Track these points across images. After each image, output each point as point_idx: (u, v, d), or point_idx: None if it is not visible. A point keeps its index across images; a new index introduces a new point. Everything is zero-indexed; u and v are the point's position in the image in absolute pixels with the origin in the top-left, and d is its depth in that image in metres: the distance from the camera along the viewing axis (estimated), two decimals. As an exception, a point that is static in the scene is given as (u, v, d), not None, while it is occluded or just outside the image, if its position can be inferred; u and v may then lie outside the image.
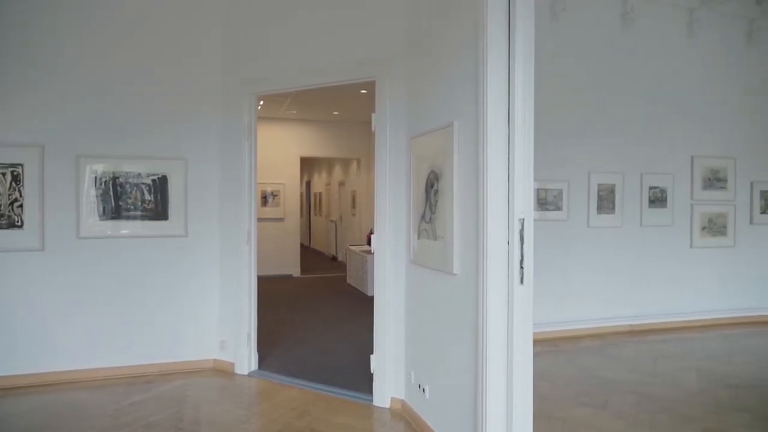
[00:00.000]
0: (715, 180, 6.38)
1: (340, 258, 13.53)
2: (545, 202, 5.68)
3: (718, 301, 6.37)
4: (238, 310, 4.48)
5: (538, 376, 4.23)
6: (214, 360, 4.59)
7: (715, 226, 6.37)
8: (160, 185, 4.48)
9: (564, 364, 4.71)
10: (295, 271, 10.81)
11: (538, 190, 5.62)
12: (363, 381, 4.16)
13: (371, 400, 3.80)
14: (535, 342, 5.48)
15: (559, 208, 5.74)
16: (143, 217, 4.43)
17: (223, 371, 4.51)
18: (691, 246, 6.28)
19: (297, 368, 4.58)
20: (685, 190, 6.26)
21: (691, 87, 6.21)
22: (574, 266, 5.79)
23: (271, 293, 8.53)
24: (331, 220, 14.83)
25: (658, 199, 6.14)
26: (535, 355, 4.96)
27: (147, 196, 4.44)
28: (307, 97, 8.87)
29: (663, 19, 6.03)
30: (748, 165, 6.50)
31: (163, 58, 4.46)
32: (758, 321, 6.42)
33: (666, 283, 6.15)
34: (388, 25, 3.76)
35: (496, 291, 2.43)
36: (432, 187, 3.15)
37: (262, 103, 9.09)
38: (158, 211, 4.48)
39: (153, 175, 4.46)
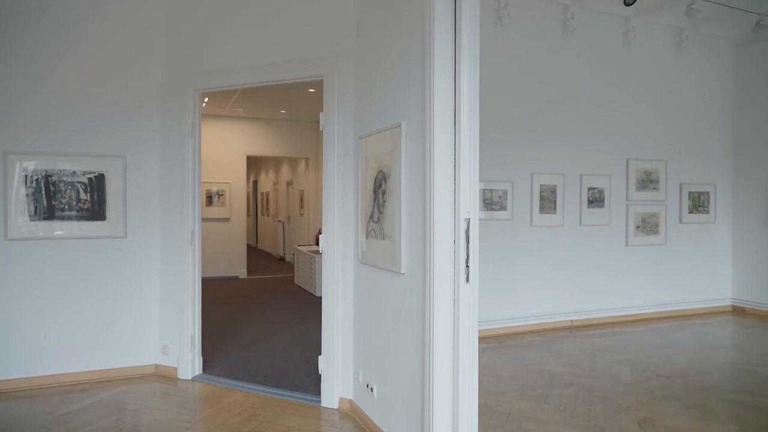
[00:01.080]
0: (648, 181, 6.73)
1: (287, 259, 13.38)
2: (491, 202, 5.82)
3: (651, 297, 6.72)
4: (181, 313, 4.35)
5: (484, 372, 4.35)
6: (156, 365, 4.43)
7: (648, 225, 6.72)
8: (97, 184, 4.28)
9: (509, 359, 4.84)
10: (241, 272, 10.60)
11: (483, 191, 5.75)
12: (311, 382, 4.14)
13: (319, 402, 3.78)
14: (481, 339, 5.62)
15: (504, 208, 5.89)
16: (79, 218, 4.22)
17: (165, 377, 4.36)
18: (626, 244, 6.59)
19: (243, 371, 4.49)
20: (620, 190, 6.57)
21: (626, 93, 6.52)
22: (518, 265, 5.96)
23: (217, 295, 8.33)
24: (279, 220, 14.63)
25: (596, 199, 6.41)
26: (481, 351, 5.09)
27: (83, 196, 4.24)
28: (253, 95, 8.71)
29: (600, 27, 6.30)
30: (677, 168, 6.89)
31: (102, 53, 4.27)
32: (686, 314, 6.82)
33: (603, 280, 6.44)
34: (337, 23, 3.75)
35: (443, 290, 2.47)
36: (380, 187, 3.16)
37: (207, 100, 8.86)
38: (95, 211, 4.28)
39: (89, 173, 4.25)
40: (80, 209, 4.23)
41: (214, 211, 10.46)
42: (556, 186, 6.16)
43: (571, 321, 6.20)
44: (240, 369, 4.56)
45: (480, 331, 5.58)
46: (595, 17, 6.21)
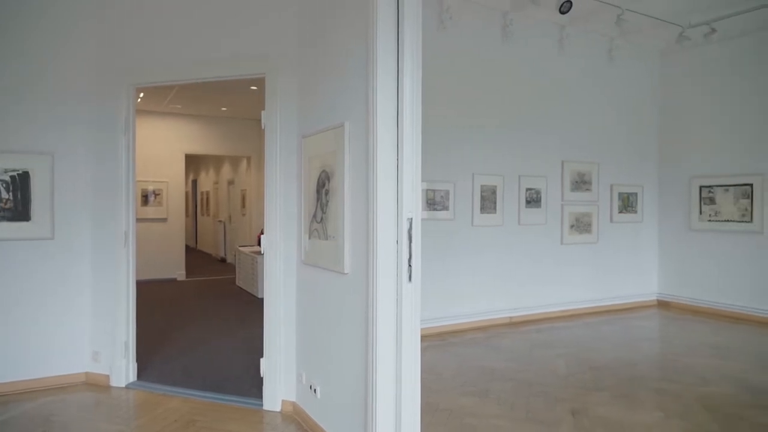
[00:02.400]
0: (581, 183, 7.04)
1: (229, 260, 13.06)
2: (433, 202, 5.91)
3: (584, 293, 7.03)
4: (113, 317, 4.15)
5: (426, 370, 4.41)
6: (86, 373, 4.21)
7: (581, 225, 7.03)
8: (21, 182, 4.02)
9: (450, 356, 4.93)
10: (179, 274, 10.25)
11: (426, 191, 5.83)
12: (253, 385, 4.06)
13: (261, 405, 3.71)
14: (424, 337, 5.68)
15: (446, 208, 5.99)
16: (0, 218, 3.95)
17: (96, 385, 4.15)
18: (561, 243, 6.86)
19: (181, 377, 4.35)
20: (556, 191, 6.83)
21: (562, 97, 6.79)
22: (459, 263, 6.09)
23: (153, 298, 8.02)
24: (220, 221, 14.25)
25: (533, 199, 6.64)
26: (424, 349, 5.15)
27: (4, 195, 3.97)
28: (192, 91, 8.45)
29: (538, 34, 6.53)
30: (608, 169, 7.24)
31: (27, 44, 4.01)
32: (617, 309, 7.18)
33: (540, 278, 6.68)
34: (281, 20, 3.69)
35: (386, 289, 2.49)
36: (323, 187, 3.14)
37: (142, 95, 8.51)
38: (18, 210, 4.01)
39: (12, 171, 3.99)
40: (2, 209, 3.96)
41: (151, 211, 10.06)
42: (496, 186, 6.33)
43: (510, 317, 6.39)
44: (178, 374, 4.41)
45: (422, 329, 5.65)
46: (532, 24, 6.43)
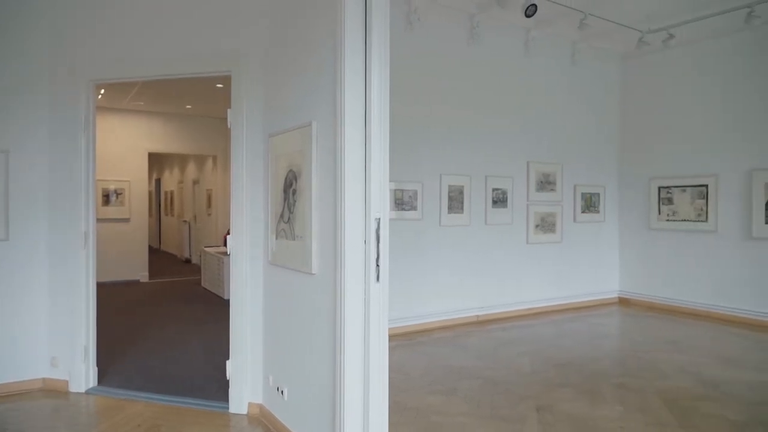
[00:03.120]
0: (546, 183, 7.18)
1: (194, 261, 12.81)
2: (402, 202, 5.93)
3: (549, 291, 7.17)
4: (72, 321, 4.02)
5: (395, 369, 4.42)
6: (44, 379, 4.07)
7: (546, 224, 7.17)
8: (-28, 181, 3.85)
9: (418, 356, 4.96)
10: (142, 275, 10.00)
11: (394, 191, 5.85)
12: (219, 388, 3.99)
13: (227, 408, 3.66)
14: (392, 336, 5.69)
15: (414, 208, 6.02)
16: (-51, 218, 3.78)
17: (55, 391, 4.01)
18: (527, 242, 6.99)
19: (144, 381, 4.24)
20: (522, 191, 6.95)
21: (527, 99, 6.91)
22: (427, 263, 6.13)
23: (115, 301, 7.80)
24: (185, 221, 13.97)
25: (500, 199, 6.73)
26: (392, 348, 5.16)
27: (-46, 194, 3.79)
28: (156, 88, 8.26)
29: (504, 37, 6.63)
30: (572, 170, 7.41)
31: (-24, 34, 3.85)
32: (580, 306, 7.36)
33: (506, 277, 6.78)
34: (249, 17, 3.64)
35: (354, 289, 2.49)
36: (290, 187, 3.12)
37: (102, 91, 8.27)
38: (-31, 210, 3.84)
39: (-38, 168, 3.82)
40: (-49, 209, 3.78)
41: (112, 211, 9.79)
42: (463, 187, 6.39)
43: (477, 316, 6.47)
44: (140, 378, 4.30)
45: (391, 329, 5.66)
46: (498, 27, 6.53)
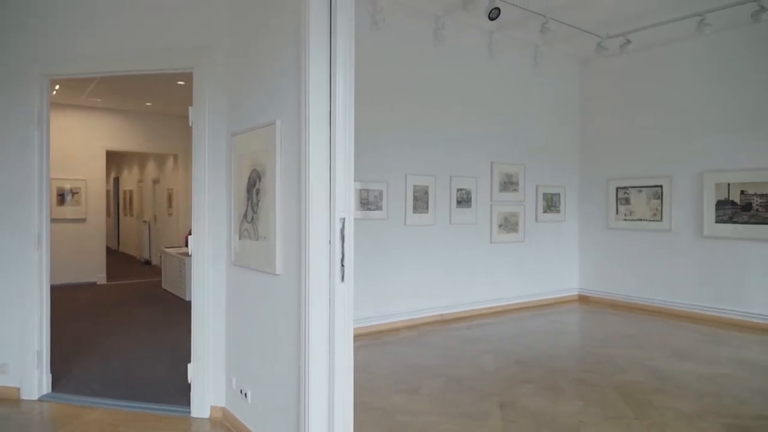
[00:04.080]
0: (509, 183, 7.30)
1: (154, 262, 12.50)
2: (367, 201, 5.93)
3: (512, 290, 7.30)
4: (24, 325, 3.86)
5: (360, 369, 4.42)
6: (-7, 386, 3.90)
7: (509, 224, 7.29)
8: None
9: (384, 355, 4.98)
10: (100, 277, 9.69)
11: (360, 191, 5.85)
12: (180, 392, 3.91)
13: (189, 412, 3.58)
14: (358, 336, 5.70)
15: (379, 208, 6.03)
16: None
17: (5, 399, 3.85)
18: (490, 242, 7.09)
19: (102, 386, 4.12)
20: (486, 192, 7.05)
21: (491, 101, 7.02)
22: (392, 263, 6.15)
23: (70, 304, 7.54)
24: (144, 221, 13.61)
25: (464, 199, 6.81)
26: (357, 348, 5.16)
27: None
28: (114, 85, 8.02)
29: (468, 39, 6.71)
30: (534, 171, 7.56)
31: None
32: (542, 304, 7.52)
33: (471, 276, 6.87)
34: (211, 13, 3.58)
35: (318, 289, 2.47)
36: (254, 186, 3.08)
37: (57, 87, 7.98)
38: None
39: None
40: None
41: (68, 211, 9.45)
42: (428, 187, 6.44)
43: (442, 315, 6.53)
44: (98, 384, 4.17)
45: (356, 329, 5.68)
46: (463, 29, 6.61)
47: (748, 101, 6.22)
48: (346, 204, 2.49)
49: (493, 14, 5.78)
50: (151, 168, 13.30)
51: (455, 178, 6.71)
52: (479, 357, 4.93)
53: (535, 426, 3.37)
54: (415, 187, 6.32)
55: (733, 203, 6.36)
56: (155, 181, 12.97)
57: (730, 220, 6.38)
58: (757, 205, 6.15)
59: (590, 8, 6.22)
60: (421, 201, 6.38)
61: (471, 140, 6.84)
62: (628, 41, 6.69)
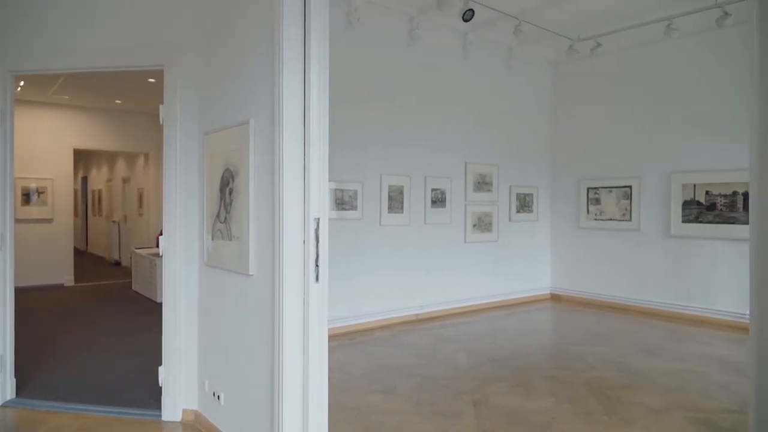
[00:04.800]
0: (483, 183, 7.38)
1: (124, 263, 12.24)
2: (342, 201, 5.92)
3: (486, 289, 7.38)
4: (-13, 329, 3.74)
5: (335, 369, 4.41)
6: (-46, 392, 3.76)
7: (483, 224, 7.37)
8: None
9: (359, 355, 4.97)
10: (67, 279, 9.45)
11: (335, 191, 5.83)
12: (151, 396, 3.84)
13: (160, 416, 3.52)
14: (333, 336, 5.69)
15: (354, 208, 6.02)
16: None
17: (-34, 405, 3.72)
18: (465, 241, 7.15)
19: (70, 391, 4.01)
20: (460, 192, 7.11)
21: (465, 101, 7.07)
22: (367, 263, 6.15)
23: (36, 306, 7.33)
24: (114, 221, 13.31)
25: (438, 199, 6.86)
26: (333, 349, 5.15)
27: None
28: (82, 82, 7.83)
29: (443, 39, 6.76)
30: (508, 171, 7.66)
31: None
32: (515, 303, 7.61)
33: (445, 275, 6.92)
34: (182, 10, 3.52)
35: (292, 290, 2.46)
36: (227, 186, 3.04)
37: (22, 83, 7.75)
38: None
39: None
40: None
41: (33, 211, 9.18)
42: (403, 187, 6.46)
43: (417, 315, 6.56)
44: (65, 388, 4.06)
45: (331, 329, 5.66)
46: (438, 29, 6.64)
47: (713, 104, 6.41)
48: (321, 204, 2.48)
49: (467, 15, 5.83)
50: (121, 167, 13.02)
51: (430, 178, 6.74)
52: (453, 356, 4.96)
53: (508, 423, 3.41)
54: (390, 187, 6.33)
55: (698, 203, 6.55)
56: (125, 181, 12.71)
57: (696, 220, 6.56)
58: (721, 205, 6.34)
59: (562, 11, 6.33)
60: (396, 201, 6.39)
61: (445, 140, 6.88)
62: (599, 44, 6.82)
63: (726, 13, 5.65)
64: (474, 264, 7.25)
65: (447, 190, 6.93)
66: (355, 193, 6.02)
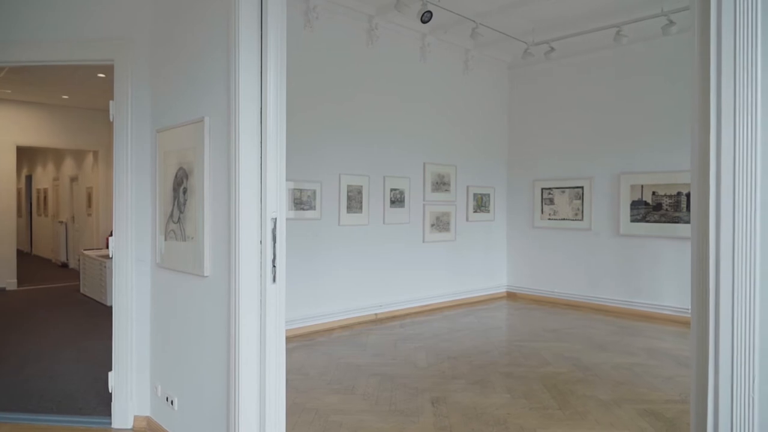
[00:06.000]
0: (441, 184, 7.46)
1: (72, 265, 11.76)
2: (300, 201, 5.86)
3: (444, 288, 7.46)
4: None
5: (293, 371, 4.37)
6: None
7: (441, 223, 7.45)
8: None
9: (318, 355, 4.94)
10: (9, 282, 8.99)
11: (293, 190, 5.77)
12: (100, 403, 3.70)
13: (110, 423, 3.40)
14: (292, 338, 5.64)
15: (313, 208, 5.98)
16: None
17: None
18: (423, 241, 7.21)
19: (11, 400, 3.82)
20: (418, 192, 7.16)
21: (423, 102, 7.13)
22: (326, 263, 6.11)
23: (-25, 312, 6.95)
24: (61, 222, 12.76)
25: (397, 199, 6.89)
26: (291, 350, 5.11)
27: None
28: (25, 75, 7.47)
29: (401, 40, 6.79)
30: (465, 171, 7.76)
31: None
32: (473, 301, 7.73)
33: (404, 275, 6.95)
34: (134, 1, 3.40)
35: (249, 291, 2.42)
36: (181, 186, 2.97)
37: (-41, 76, 7.33)
38: None
39: None
40: None
41: (-29, 211, 8.70)
42: (362, 186, 6.46)
43: (376, 314, 6.57)
44: (5, 398, 3.87)
45: (290, 330, 5.62)
46: (396, 30, 6.67)
47: (659, 108, 6.68)
48: (278, 204, 2.45)
49: (426, 17, 5.88)
50: (68, 165, 12.49)
51: (389, 178, 6.76)
52: (412, 354, 5.00)
53: (465, 420, 3.46)
54: (348, 186, 6.32)
55: (645, 203, 6.82)
56: (73, 179, 12.21)
57: (644, 219, 6.83)
58: (666, 205, 6.63)
59: (518, 16, 6.47)
60: (354, 201, 6.39)
61: (404, 141, 6.92)
62: (552, 48, 7.01)
63: (671, 22, 5.90)
64: (432, 263, 7.32)
65: (406, 190, 6.97)
66: (314, 192, 5.98)
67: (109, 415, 3.43)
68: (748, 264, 1.24)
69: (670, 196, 6.58)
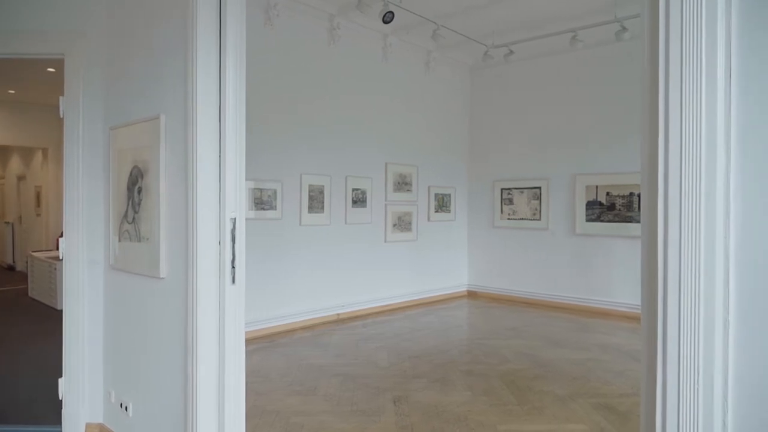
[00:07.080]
0: (403, 184, 7.50)
1: (19, 267, 11.25)
2: (261, 201, 5.79)
3: (406, 287, 7.50)
4: None
5: (253, 373, 4.31)
6: None
7: (403, 223, 7.49)
8: None
9: (278, 357, 4.89)
10: (-50, 286, 8.54)
11: (253, 190, 5.69)
12: (50, 410, 3.55)
13: (60, 431, 3.27)
14: (252, 339, 5.56)
15: (273, 208, 5.91)
16: None
17: None
18: (385, 241, 7.23)
19: (-48, 409, 3.63)
20: (380, 192, 7.18)
21: (385, 103, 7.15)
22: (287, 263, 6.05)
23: None
24: (7, 222, 12.21)
25: (359, 199, 6.88)
26: (252, 352, 5.04)
27: None
28: (-33, 68, 7.10)
29: (363, 40, 6.79)
30: (427, 172, 7.83)
31: None
32: (434, 301, 7.81)
33: (366, 275, 6.96)
34: (81, -3, 3.28)
35: (207, 293, 2.37)
36: (135, 185, 2.88)
37: None
38: None
39: None
40: None
41: None
42: (323, 186, 6.42)
43: (338, 314, 6.55)
44: (-53, 407, 3.67)
45: (250, 331, 5.53)
46: (358, 30, 6.67)
47: (613, 111, 6.91)
48: (237, 203, 2.41)
49: (387, 17, 5.90)
50: (15, 163, 11.95)
51: (351, 178, 6.75)
52: (374, 354, 5.00)
53: (426, 418, 3.49)
54: (310, 186, 6.27)
55: (600, 203, 7.04)
56: (20, 178, 11.69)
57: (598, 219, 7.05)
58: (619, 205, 6.86)
59: (478, 18, 6.58)
60: (316, 201, 6.35)
61: (366, 141, 6.92)
62: (511, 51, 7.15)
63: (624, 28, 6.11)
64: (394, 263, 7.35)
65: (368, 190, 6.97)
66: (275, 192, 5.91)
67: (60, 423, 3.29)
68: (694, 262, 1.30)
69: (623, 197, 6.81)
